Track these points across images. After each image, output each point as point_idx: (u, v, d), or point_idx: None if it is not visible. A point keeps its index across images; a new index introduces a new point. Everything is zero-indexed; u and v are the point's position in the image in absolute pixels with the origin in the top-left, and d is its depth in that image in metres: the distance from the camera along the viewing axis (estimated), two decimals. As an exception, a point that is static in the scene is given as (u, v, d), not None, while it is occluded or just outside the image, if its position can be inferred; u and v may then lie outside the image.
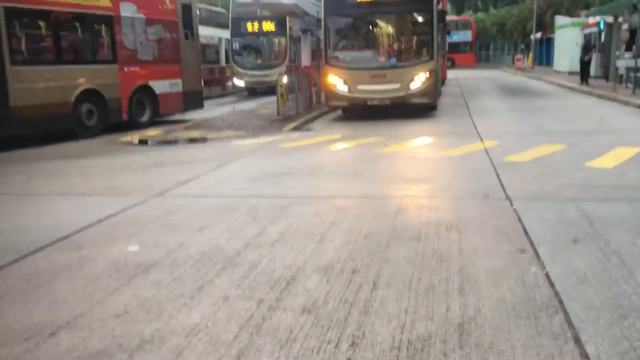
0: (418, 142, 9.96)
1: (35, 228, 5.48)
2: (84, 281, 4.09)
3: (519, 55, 41.11)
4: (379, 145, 9.82)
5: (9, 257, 4.56)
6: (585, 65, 21.20)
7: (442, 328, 3.19)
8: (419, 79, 13.08)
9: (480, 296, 3.59)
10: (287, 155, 9.36)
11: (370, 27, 14.95)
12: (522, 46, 49.18)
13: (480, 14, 59.54)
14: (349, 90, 13.40)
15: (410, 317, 3.34)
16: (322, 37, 13.99)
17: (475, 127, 11.68)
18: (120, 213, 5.93)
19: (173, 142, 11.05)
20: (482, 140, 9.84)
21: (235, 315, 3.46)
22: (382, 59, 13.63)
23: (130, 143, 11.17)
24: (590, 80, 20.56)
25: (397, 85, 13.06)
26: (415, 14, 14.64)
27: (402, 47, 14.39)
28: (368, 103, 13.35)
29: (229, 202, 6.20)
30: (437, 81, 14.16)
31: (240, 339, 3.17)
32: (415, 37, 14.59)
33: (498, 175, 7.02)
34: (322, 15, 13.85)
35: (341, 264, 4.24)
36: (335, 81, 13.51)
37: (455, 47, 41.52)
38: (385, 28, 15.39)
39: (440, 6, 14.49)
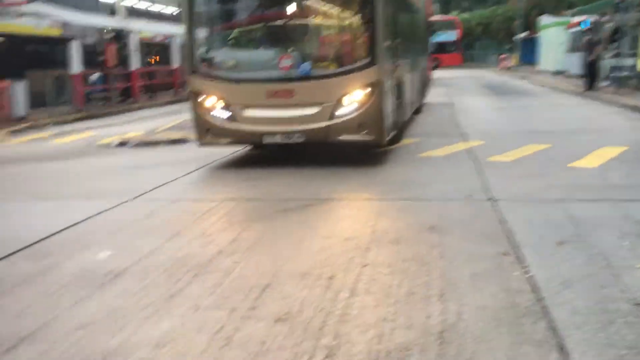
0: (402, 142, 9.81)
1: (2, 234, 5.27)
2: (49, 290, 3.90)
3: (503, 55, 41.24)
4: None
5: (-28, 266, 4.36)
6: (590, 67, 18.17)
7: (422, 337, 3.05)
8: (352, 98, 7.51)
9: (461, 302, 3.46)
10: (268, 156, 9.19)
11: (265, 9, 8.45)
12: (508, 46, 49.38)
13: (465, 14, 59.71)
14: (232, 118, 7.79)
15: (389, 326, 3.19)
16: (185, 26, 8.13)
17: (460, 126, 11.58)
18: (93, 217, 5.74)
19: (153, 144, 10.84)
20: (466, 140, 9.74)
21: (205, 326, 3.29)
22: (285, 62, 7.68)
23: (110, 145, 10.93)
24: (573, 80, 19.69)
25: (313, 110, 7.53)
26: None
27: (321, 43, 8.41)
28: (265, 141, 7.78)
29: (206, 206, 6.02)
30: (390, 102, 8.21)
31: (209, 351, 3.01)
32: (344, 26, 8.23)
33: (482, 176, 6.90)
34: None
35: (319, 270, 4.08)
36: (209, 103, 7.92)
37: (441, 47, 41.49)
38: (292, 11, 8.42)
39: None
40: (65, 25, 16.89)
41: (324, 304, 3.52)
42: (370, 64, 7.50)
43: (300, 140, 7.65)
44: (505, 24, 49.84)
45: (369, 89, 7.49)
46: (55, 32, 18.31)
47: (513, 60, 38.89)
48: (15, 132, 13.28)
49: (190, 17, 8.05)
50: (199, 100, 7.99)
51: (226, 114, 7.83)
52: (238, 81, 7.90)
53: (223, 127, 7.87)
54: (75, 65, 16.80)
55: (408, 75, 10.64)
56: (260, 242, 4.80)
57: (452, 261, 4.15)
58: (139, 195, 6.60)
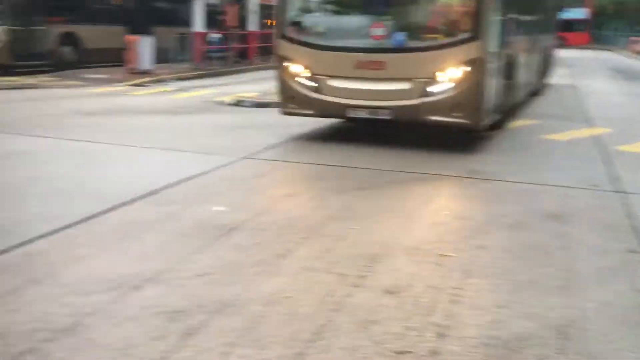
0: (519, 122, 9.34)
1: (128, 180, 5.60)
2: (170, 237, 4.10)
3: (634, 38, 37.94)
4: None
5: (102, 206, 4.66)
6: None
7: (541, 329, 2.89)
8: (447, 76, 6.75)
9: (584, 297, 3.25)
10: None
11: None
12: (642, 28, 45.39)
13: (598, -9, 55.42)
14: (316, 88, 7.35)
15: (506, 313, 3.06)
16: None
17: (584, 111, 10.84)
18: (210, 172, 5.95)
19: (266, 105, 11.04)
20: (591, 125, 9.11)
21: (315, 289, 3.33)
22: (378, 31, 7.13)
23: (225, 104, 11.29)
24: None
25: (403, 85, 6.91)
26: None
27: (419, 11, 7.69)
28: (349, 115, 7.35)
29: (317, 170, 6.07)
30: (494, 82, 7.35)
31: (318, 314, 3.03)
32: None
33: (609, 165, 6.43)
34: None
35: (431, 246, 3.99)
36: (294, 70, 7.52)
37: (568, 25, 38.74)
38: None
39: None
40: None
41: (436, 281, 3.44)
42: (473, 38, 6.67)
43: (387, 117, 7.05)
44: (643, 3, 45.73)
45: (468, 67, 6.67)
46: (181, -10, 19.11)
47: (647, 43, 35.65)
48: (140, 85, 14.05)
49: None
50: (285, 66, 7.58)
51: (311, 83, 7.36)
52: (325, 49, 7.35)
53: (306, 97, 7.38)
54: (198, 24, 17.40)
55: (524, 54, 9.78)
56: (371, 211, 4.76)
57: (576, 253, 3.91)
58: (252, 154, 6.76)
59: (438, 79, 6.78)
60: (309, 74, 7.35)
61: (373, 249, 3.92)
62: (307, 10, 8.13)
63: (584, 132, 8.52)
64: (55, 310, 3.02)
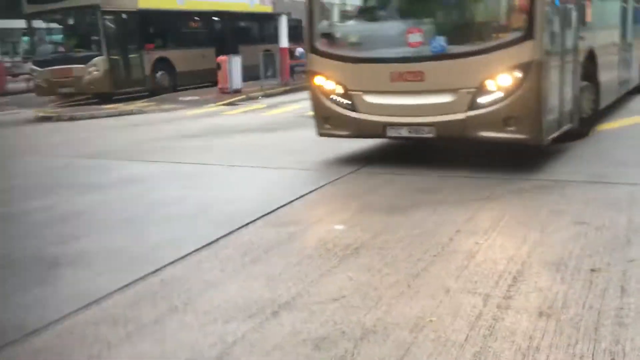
0: (592, 133, 8.71)
1: (241, 201, 5.62)
2: (296, 259, 4.04)
3: None
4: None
5: (223, 229, 4.68)
6: None
7: None
8: (498, 83, 5.82)
9: None
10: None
11: None
12: None
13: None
14: (352, 106, 6.58)
15: (683, 336, 2.75)
16: None
17: None
18: (319, 189, 5.90)
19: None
20: None
21: (461, 312, 3.13)
22: (415, 37, 6.23)
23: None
24: None
25: (447, 97, 6.05)
26: None
27: (459, 11, 6.82)
28: (388, 134, 6.52)
29: (431, 182, 5.87)
30: (560, 88, 6.34)
31: (472, 340, 2.84)
32: None
33: None
34: None
35: (575, 261, 3.70)
36: (327, 87, 6.77)
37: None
38: None
39: None
40: (275, 1, 17.87)
41: (592, 301, 3.15)
42: (524, 37, 5.64)
43: (430, 135, 6.20)
44: None
45: (521, 72, 5.67)
46: (267, 8, 19.52)
47: None
48: (233, 104, 14.41)
49: None
50: (317, 83, 6.82)
51: (345, 101, 6.59)
52: (356, 61, 6.61)
53: (341, 116, 6.64)
54: (283, 40, 17.65)
55: (612, 47, 8.72)
56: (499, 223, 4.51)
57: None
58: (357, 169, 6.64)
59: (486, 88, 5.86)
60: (342, 90, 6.61)
61: (511, 266, 3.68)
62: (337, 20, 7.55)
63: None
64: (200, 339, 3.00)
